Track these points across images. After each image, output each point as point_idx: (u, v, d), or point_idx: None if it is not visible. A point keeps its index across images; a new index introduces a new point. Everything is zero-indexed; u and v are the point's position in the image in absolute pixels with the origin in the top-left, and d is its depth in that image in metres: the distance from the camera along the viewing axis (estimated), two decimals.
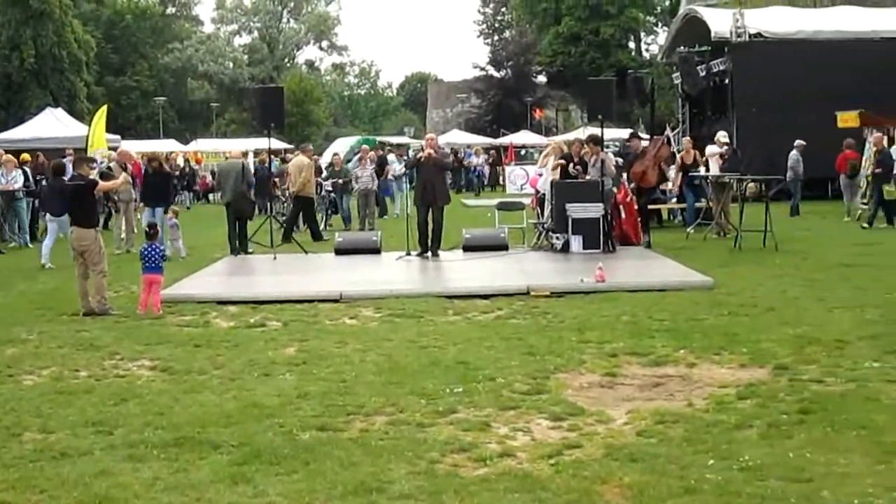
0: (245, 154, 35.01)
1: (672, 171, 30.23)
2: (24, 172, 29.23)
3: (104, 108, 36.41)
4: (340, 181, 34.39)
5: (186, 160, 58.23)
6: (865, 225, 28.63)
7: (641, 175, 25.48)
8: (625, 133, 65.17)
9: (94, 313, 16.42)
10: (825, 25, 43.85)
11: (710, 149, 29.95)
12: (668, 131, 36.90)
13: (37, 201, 29.50)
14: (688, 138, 33.67)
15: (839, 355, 12.27)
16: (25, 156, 31.34)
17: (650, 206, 27.14)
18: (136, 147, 52.12)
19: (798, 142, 34.36)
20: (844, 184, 32.42)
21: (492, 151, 71.59)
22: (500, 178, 64.21)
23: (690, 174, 29.84)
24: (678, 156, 31.03)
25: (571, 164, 24.40)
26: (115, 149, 34.60)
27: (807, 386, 10.82)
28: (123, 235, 26.80)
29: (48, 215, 24.23)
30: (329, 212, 35.62)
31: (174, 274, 19.94)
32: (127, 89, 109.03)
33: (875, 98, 36.30)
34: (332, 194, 34.99)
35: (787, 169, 34.13)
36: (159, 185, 26.55)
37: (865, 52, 41.12)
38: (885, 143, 31.15)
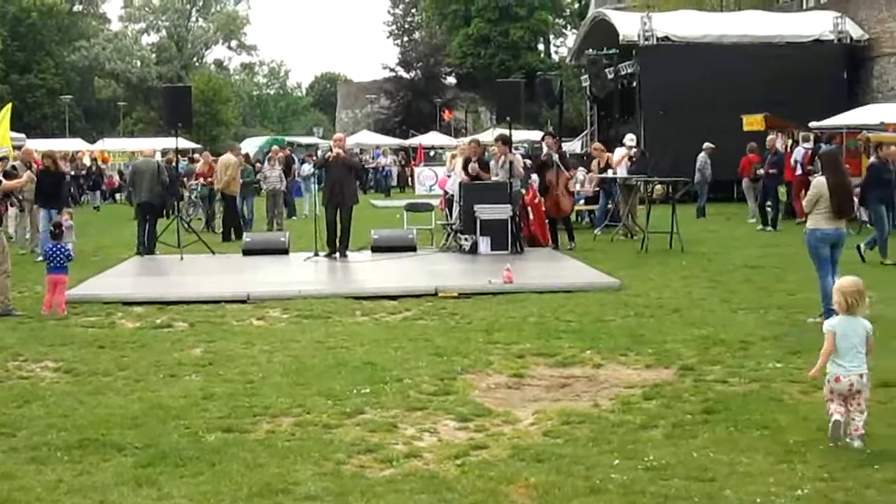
0: (162, 153, 34.66)
1: (580, 173, 30.32)
2: None
3: (8, 106, 35.86)
4: (242, 181, 32.93)
5: (94, 160, 57.52)
6: (769, 228, 29.01)
7: (556, 206, 25.46)
8: (534, 135, 65.53)
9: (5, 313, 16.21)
10: (731, 29, 44.41)
11: (618, 151, 30.15)
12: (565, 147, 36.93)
13: None
14: (598, 143, 33.78)
15: (743, 356, 12.44)
16: None
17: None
18: (41, 146, 51.42)
19: (706, 144, 34.77)
20: (747, 186, 32.86)
21: (401, 153, 71.62)
22: (409, 179, 64.24)
23: (599, 176, 30.05)
24: (594, 161, 31.16)
25: (469, 164, 24.44)
26: (19, 148, 34.20)
27: (711, 386, 10.94)
28: (28, 235, 26.44)
29: None
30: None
31: (80, 274, 19.72)
32: (32, 87, 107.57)
33: (780, 101, 36.86)
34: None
35: (694, 171, 34.51)
36: (53, 185, 25.15)
37: (771, 56, 41.74)
38: (778, 144, 31.61)
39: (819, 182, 14.70)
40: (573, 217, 27.71)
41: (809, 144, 32.03)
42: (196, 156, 42.06)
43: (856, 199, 20.95)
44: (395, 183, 64.27)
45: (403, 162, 68.71)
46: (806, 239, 14.88)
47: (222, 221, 30.94)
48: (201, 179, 34.43)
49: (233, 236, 29.07)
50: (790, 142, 33.65)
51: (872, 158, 22.61)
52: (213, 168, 32.44)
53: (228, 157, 31.09)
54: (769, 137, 31.61)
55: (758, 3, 61.75)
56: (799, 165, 31.40)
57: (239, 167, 31.52)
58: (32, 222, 26.13)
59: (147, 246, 24.78)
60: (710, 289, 18.16)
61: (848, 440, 8.82)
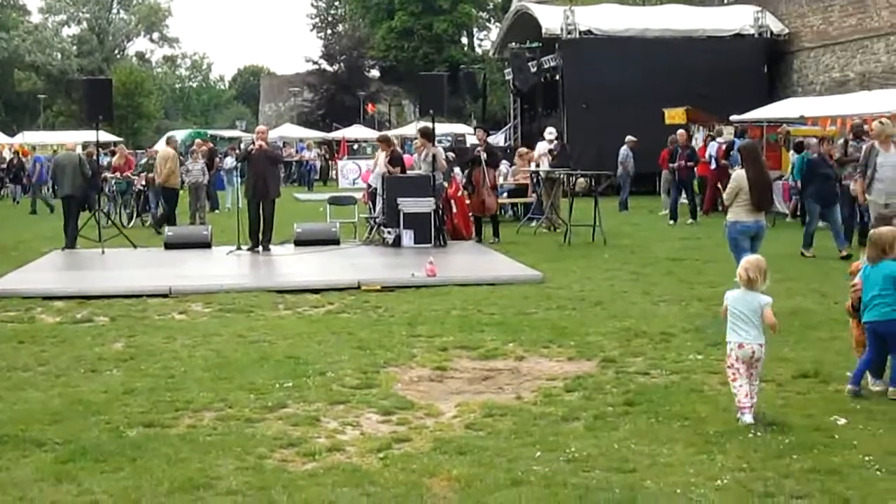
0: (83, 147, 34.17)
1: (503, 166, 30.38)
2: None
3: None
4: (152, 175, 32.07)
5: (15, 152, 56.77)
6: (690, 220, 29.28)
7: (481, 206, 25.45)
8: (457, 128, 65.63)
9: None
10: (653, 24, 44.71)
11: (540, 145, 30.26)
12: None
13: None
14: (523, 149, 33.64)
15: (664, 348, 12.53)
16: None
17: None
18: None
19: (629, 138, 34.98)
20: (666, 178, 33.15)
21: (324, 146, 71.47)
22: (333, 172, 64.12)
23: (523, 170, 30.18)
24: (520, 159, 31.25)
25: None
26: None
27: (633, 378, 11.01)
28: None
29: None
30: (142, 208, 33.62)
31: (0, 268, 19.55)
32: None
33: (702, 95, 37.17)
34: (146, 189, 32.94)
35: (616, 164, 34.72)
36: None
37: (693, 50, 42.11)
38: (698, 138, 31.94)
39: (739, 175, 14.85)
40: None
41: (723, 139, 32.29)
42: (113, 149, 41.56)
43: (776, 193, 21.12)
44: (317, 176, 64.13)
45: (327, 155, 68.52)
46: (726, 231, 15.03)
47: (158, 215, 30.58)
48: (118, 174, 33.60)
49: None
50: (709, 136, 33.91)
51: (811, 154, 22.72)
52: (131, 161, 32.08)
53: (167, 150, 30.83)
54: (679, 132, 31.84)
55: None
56: (713, 160, 31.75)
57: (176, 159, 31.24)
58: None
59: (68, 240, 24.60)
60: (632, 281, 18.29)
61: (739, 415, 9.19)
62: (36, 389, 10.92)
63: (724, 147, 31.16)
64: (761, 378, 9.64)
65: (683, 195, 30.70)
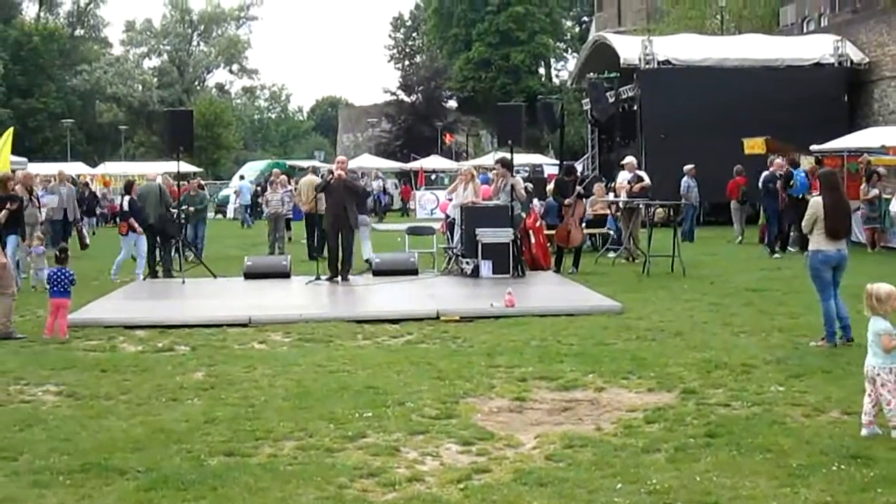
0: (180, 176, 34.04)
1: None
2: None
3: (10, 130, 35.86)
4: (193, 208, 30.49)
5: (85, 184, 57.14)
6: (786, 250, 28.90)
7: (567, 236, 25.39)
8: (535, 158, 65.56)
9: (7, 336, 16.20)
10: (732, 53, 44.57)
11: (622, 175, 30.15)
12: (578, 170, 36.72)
13: None
14: (599, 185, 33.33)
15: (745, 379, 12.41)
16: None
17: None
18: (42, 170, 51.34)
19: (687, 167, 34.64)
20: (734, 208, 33.03)
21: (402, 177, 71.84)
22: (409, 202, 64.43)
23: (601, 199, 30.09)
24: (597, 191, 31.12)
25: None
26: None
27: (713, 409, 10.92)
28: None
29: None
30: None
31: (81, 298, 19.69)
32: (34, 111, 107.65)
33: (780, 125, 36.88)
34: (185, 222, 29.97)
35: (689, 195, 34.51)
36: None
37: (772, 79, 41.87)
38: (780, 167, 31.72)
39: (816, 202, 14.71)
40: None
41: (773, 168, 31.83)
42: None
43: (855, 222, 20.88)
44: (395, 206, 64.39)
45: (400, 186, 69.01)
46: (808, 261, 14.87)
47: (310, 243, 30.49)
48: None
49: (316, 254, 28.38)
50: (788, 166, 33.65)
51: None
52: (174, 192, 31.69)
53: (311, 178, 31.38)
54: (776, 161, 31.45)
55: (758, 27, 62.09)
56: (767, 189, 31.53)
57: (192, 193, 30.94)
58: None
59: (153, 269, 24.82)
60: (711, 312, 18.15)
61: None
62: (118, 418, 10.99)
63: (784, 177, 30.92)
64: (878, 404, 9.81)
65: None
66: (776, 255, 28.37)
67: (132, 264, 25.33)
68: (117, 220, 30.26)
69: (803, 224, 15.27)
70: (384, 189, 64.04)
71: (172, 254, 25.41)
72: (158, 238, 25.15)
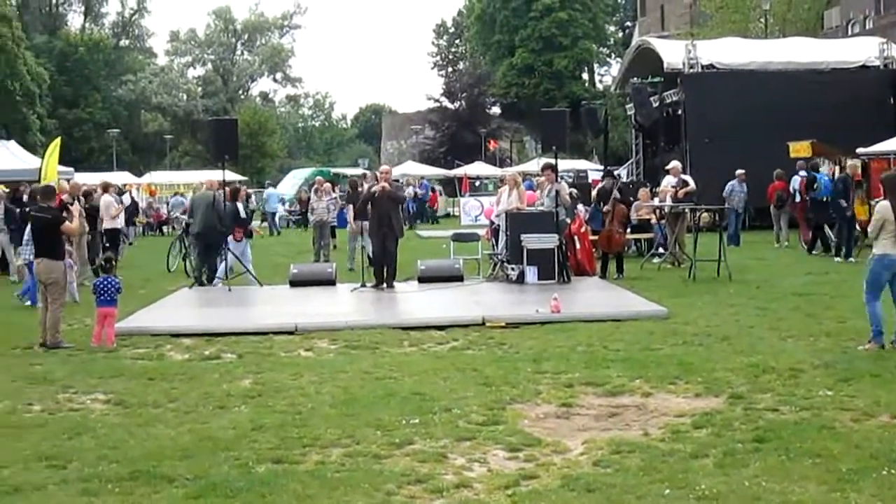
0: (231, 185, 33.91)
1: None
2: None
3: (58, 140, 35.99)
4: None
5: (124, 192, 57.17)
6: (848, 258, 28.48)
7: (608, 242, 25.35)
8: (579, 164, 65.51)
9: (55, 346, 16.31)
10: (777, 56, 44.31)
11: (667, 180, 30.04)
12: (619, 177, 36.55)
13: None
14: (644, 191, 33.15)
15: (793, 384, 12.34)
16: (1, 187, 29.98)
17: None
18: (88, 180, 51.58)
19: (738, 172, 34.48)
20: (773, 213, 32.93)
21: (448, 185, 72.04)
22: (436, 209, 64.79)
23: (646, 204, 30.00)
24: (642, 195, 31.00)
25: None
26: (67, 181, 34.31)
27: (762, 414, 10.86)
28: (76, 268, 26.46)
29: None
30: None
31: (127, 307, 19.79)
32: (80, 122, 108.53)
33: (826, 128, 36.58)
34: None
35: (736, 198, 34.35)
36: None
37: (817, 82, 41.58)
38: (824, 170, 31.62)
39: (883, 206, 14.53)
40: None
41: (805, 173, 31.68)
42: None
43: None
44: (439, 213, 64.51)
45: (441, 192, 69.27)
46: (871, 264, 14.70)
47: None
48: (186, 215, 31.38)
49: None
50: (836, 168, 33.45)
51: None
52: None
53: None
54: (850, 163, 31.20)
55: (803, 30, 61.80)
56: (797, 193, 31.40)
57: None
58: (80, 255, 26.11)
59: (199, 276, 24.92)
60: (758, 316, 18.05)
61: None
62: (166, 426, 11.04)
63: (805, 181, 30.83)
64: None
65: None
66: (843, 259, 27.91)
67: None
68: (162, 228, 30.21)
69: (870, 228, 15.02)
70: (415, 196, 63.98)
71: (219, 262, 25.46)
72: (204, 246, 25.22)
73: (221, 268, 24.74)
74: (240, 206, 25.71)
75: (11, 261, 27.48)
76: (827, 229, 29.64)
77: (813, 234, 30.33)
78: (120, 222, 30.71)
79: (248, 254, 25.47)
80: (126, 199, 43.50)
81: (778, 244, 32.29)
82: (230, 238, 24.56)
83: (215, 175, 27.29)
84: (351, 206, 29.79)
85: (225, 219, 24.74)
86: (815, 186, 29.76)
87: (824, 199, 29.08)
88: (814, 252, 29.41)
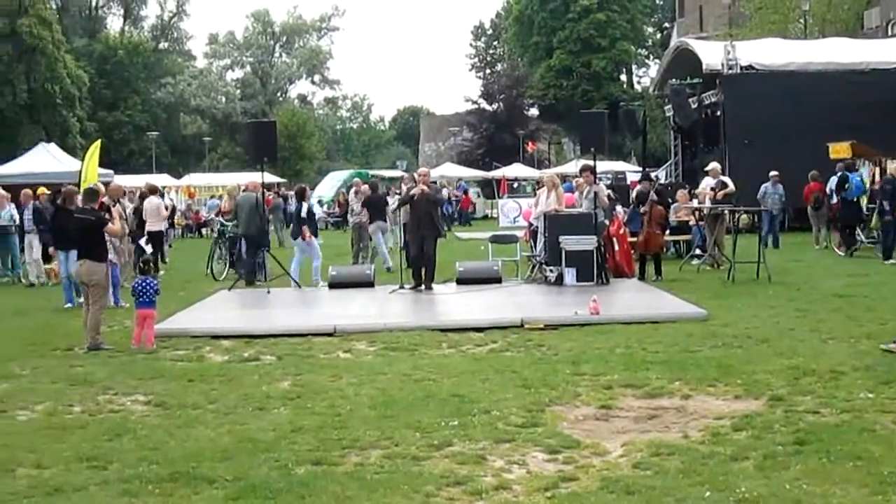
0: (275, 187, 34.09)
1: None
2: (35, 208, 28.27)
3: (98, 143, 36.30)
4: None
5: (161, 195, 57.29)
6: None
7: (645, 243, 25.28)
8: (617, 166, 65.38)
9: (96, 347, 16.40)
10: (816, 57, 44.06)
11: (706, 181, 29.93)
12: (656, 179, 36.46)
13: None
14: (682, 192, 33.05)
15: (834, 386, 12.26)
16: (42, 189, 30.10)
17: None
18: (127, 182, 51.84)
19: (772, 173, 34.32)
20: (811, 214, 32.83)
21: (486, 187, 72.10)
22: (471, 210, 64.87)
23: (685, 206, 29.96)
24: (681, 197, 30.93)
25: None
26: (107, 184, 34.51)
27: (802, 417, 10.81)
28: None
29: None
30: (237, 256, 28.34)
31: (166, 308, 19.87)
32: (119, 124, 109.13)
33: (866, 128, 36.35)
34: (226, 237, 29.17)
35: (777, 200, 34.21)
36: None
37: (856, 82, 41.33)
38: (864, 172, 31.52)
39: None
40: None
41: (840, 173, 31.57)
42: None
43: None
44: (478, 215, 64.55)
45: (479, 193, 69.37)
46: None
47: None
48: (220, 217, 31.51)
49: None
50: (877, 170, 33.27)
51: None
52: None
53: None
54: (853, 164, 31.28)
55: (842, 30, 61.45)
56: (832, 193, 31.27)
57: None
58: (120, 256, 26.17)
59: (245, 275, 25.20)
60: (798, 318, 17.96)
61: None
62: (206, 427, 11.07)
63: (838, 180, 30.78)
64: None
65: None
66: (884, 260, 27.70)
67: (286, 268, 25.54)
68: (200, 230, 30.44)
69: None
70: (449, 199, 64.02)
71: (260, 263, 25.64)
72: (251, 246, 25.45)
73: (316, 266, 25.40)
74: (304, 206, 25.88)
75: (36, 260, 27.80)
76: (858, 231, 29.59)
77: (841, 234, 30.25)
78: (164, 224, 31.01)
79: (318, 250, 25.84)
80: (166, 201, 43.62)
81: (818, 246, 32.22)
82: (298, 238, 25.05)
83: (254, 177, 27.50)
84: (365, 210, 30.05)
85: (264, 219, 25.08)
86: (846, 186, 29.67)
87: (854, 199, 29.00)
88: (855, 253, 29.18)
